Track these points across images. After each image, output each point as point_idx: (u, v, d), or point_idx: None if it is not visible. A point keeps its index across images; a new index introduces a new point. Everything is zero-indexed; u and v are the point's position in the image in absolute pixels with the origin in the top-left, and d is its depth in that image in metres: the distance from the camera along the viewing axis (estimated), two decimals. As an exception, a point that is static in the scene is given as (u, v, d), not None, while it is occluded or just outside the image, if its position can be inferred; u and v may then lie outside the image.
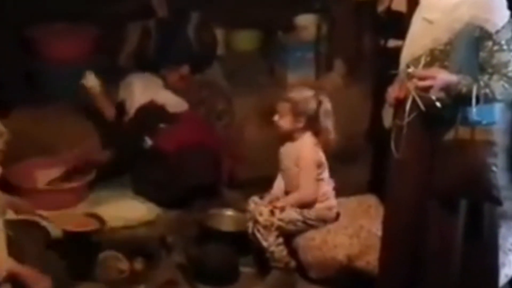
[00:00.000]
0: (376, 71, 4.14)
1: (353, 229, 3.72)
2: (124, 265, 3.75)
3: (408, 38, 3.14)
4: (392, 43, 3.81)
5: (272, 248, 3.72)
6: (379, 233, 3.45)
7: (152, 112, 4.57)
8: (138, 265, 3.79)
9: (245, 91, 5.25)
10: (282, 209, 3.75)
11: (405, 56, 3.12)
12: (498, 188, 2.99)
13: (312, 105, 3.75)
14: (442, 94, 2.94)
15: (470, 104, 2.90)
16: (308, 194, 3.78)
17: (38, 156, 4.64)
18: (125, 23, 5.28)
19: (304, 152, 3.77)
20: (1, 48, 5.02)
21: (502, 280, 3.48)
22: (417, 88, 2.96)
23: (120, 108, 4.73)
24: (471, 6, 2.95)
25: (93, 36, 5.38)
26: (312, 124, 3.76)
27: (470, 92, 2.90)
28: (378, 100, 3.67)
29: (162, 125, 4.58)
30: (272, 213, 3.73)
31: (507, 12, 2.96)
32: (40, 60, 5.31)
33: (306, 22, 5.65)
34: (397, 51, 3.22)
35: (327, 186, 3.85)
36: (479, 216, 3.12)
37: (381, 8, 4.00)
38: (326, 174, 3.84)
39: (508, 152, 4.12)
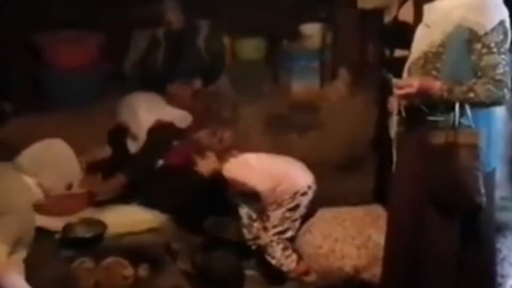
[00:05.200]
0: (381, 80, 4.14)
1: (361, 240, 3.70)
2: (128, 271, 3.75)
3: (412, 47, 3.14)
4: (398, 53, 3.81)
5: (281, 261, 3.76)
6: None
7: (164, 132, 4.41)
8: (143, 271, 3.79)
9: (250, 99, 5.27)
10: (267, 218, 3.80)
11: (407, 64, 3.12)
12: (480, 193, 2.93)
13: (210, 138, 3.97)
14: (418, 101, 2.96)
15: (460, 109, 2.90)
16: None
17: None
18: (132, 30, 5.28)
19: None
20: (8, 54, 5.05)
21: (508, 291, 3.47)
22: (398, 97, 3.01)
23: (120, 130, 4.54)
24: (463, 9, 2.93)
25: (100, 44, 5.39)
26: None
27: (453, 97, 2.90)
28: (383, 109, 3.68)
29: (175, 142, 4.47)
30: (265, 229, 3.79)
31: (499, 15, 2.92)
32: (46, 67, 5.33)
33: (311, 30, 5.67)
34: (403, 60, 3.22)
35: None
36: (477, 225, 3.09)
37: (387, 18, 4.01)
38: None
39: (511, 163, 4.11)
